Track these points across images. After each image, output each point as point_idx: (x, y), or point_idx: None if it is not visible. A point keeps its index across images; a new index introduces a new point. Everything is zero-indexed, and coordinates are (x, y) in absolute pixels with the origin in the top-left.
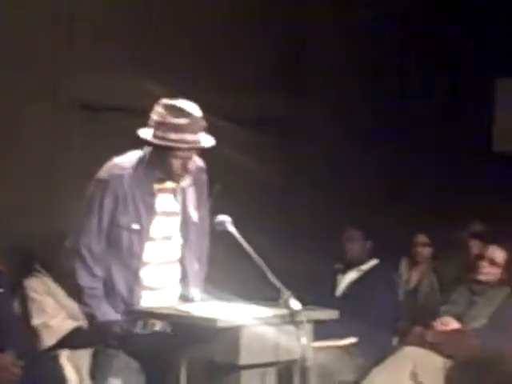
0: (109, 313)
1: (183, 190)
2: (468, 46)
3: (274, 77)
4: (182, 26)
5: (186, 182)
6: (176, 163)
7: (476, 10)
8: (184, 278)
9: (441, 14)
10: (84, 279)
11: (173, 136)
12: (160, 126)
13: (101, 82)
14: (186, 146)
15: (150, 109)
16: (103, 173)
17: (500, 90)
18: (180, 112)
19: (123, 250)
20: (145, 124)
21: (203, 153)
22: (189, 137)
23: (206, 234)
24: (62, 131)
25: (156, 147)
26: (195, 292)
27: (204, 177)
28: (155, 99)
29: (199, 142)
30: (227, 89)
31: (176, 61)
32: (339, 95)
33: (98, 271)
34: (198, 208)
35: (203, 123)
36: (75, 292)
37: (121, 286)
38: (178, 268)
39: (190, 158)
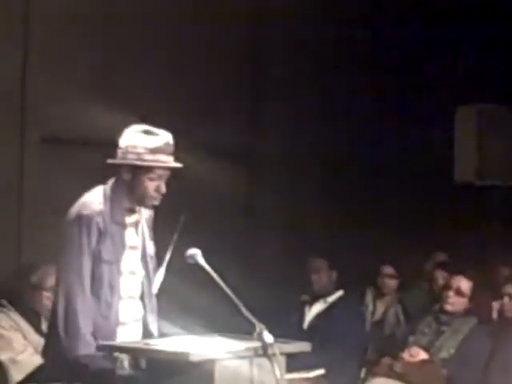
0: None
1: (142, 225)
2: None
3: (232, 109)
4: (140, 55)
5: (143, 216)
6: (151, 185)
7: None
8: (145, 314)
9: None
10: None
11: (148, 157)
12: (133, 149)
13: (64, 115)
14: (162, 165)
15: (108, 140)
16: (85, 209)
17: (460, 119)
18: (153, 134)
19: (104, 285)
20: (107, 156)
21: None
22: (163, 157)
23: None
24: (30, 167)
25: (129, 171)
26: (154, 328)
27: (152, 213)
28: (114, 131)
29: (172, 164)
30: (188, 118)
31: (137, 92)
32: (297, 125)
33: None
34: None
35: (173, 146)
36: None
37: (102, 323)
38: (139, 303)
39: (164, 179)
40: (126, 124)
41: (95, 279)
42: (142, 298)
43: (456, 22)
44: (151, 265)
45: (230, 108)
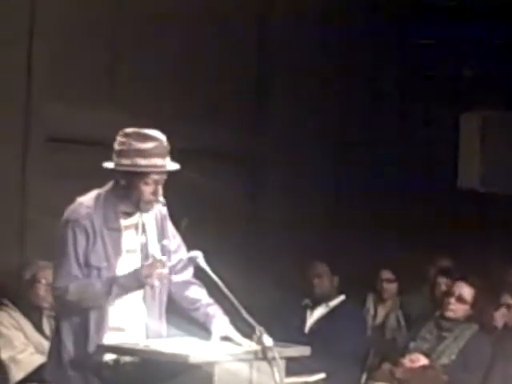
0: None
1: (144, 226)
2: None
3: (235, 113)
4: (146, 56)
5: (147, 216)
6: (147, 189)
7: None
8: (149, 315)
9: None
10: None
11: (142, 161)
12: (126, 153)
13: (68, 115)
14: (156, 170)
15: (112, 141)
16: (72, 214)
17: (464, 126)
18: (145, 137)
19: None
20: (111, 156)
21: (168, 185)
22: (158, 161)
23: (185, 266)
24: (34, 166)
25: (124, 176)
26: (162, 327)
27: (164, 210)
28: (119, 132)
29: (167, 166)
30: (190, 121)
31: (141, 93)
32: (299, 128)
33: None
34: (161, 243)
35: (168, 147)
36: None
37: (91, 326)
38: (141, 305)
39: (160, 182)
40: (130, 125)
41: None
42: (144, 299)
43: (461, 27)
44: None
45: (232, 111)
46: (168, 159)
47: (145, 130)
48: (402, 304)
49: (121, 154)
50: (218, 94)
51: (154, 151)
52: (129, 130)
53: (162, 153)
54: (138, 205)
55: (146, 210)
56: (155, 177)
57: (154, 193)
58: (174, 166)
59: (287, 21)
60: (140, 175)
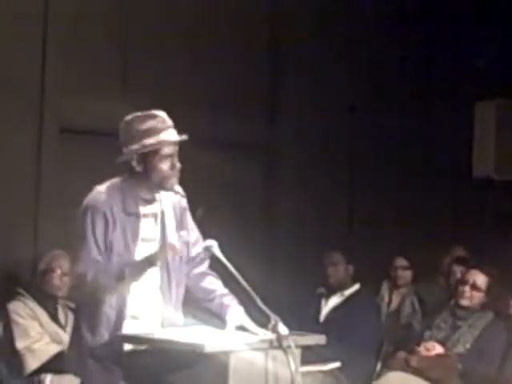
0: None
1: (163, 215)
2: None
3: (249, 102)
4: (157, 47)
5: (166, 206)
6: (164, 166)
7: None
8: (165, 305)
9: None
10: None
11: (150, 140)
12: (132, 139)
13: (82, 106)
14: (165, 143)
15: None
16: (91, 200)
17: (479, 114)
18: (144, 118)
19: None
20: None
21: (182, 174)
22: (164, 136)
23: (203, 259)
24: (48, 157)
25: (138, 162)
26: (178, 317)
27: (183, 202)
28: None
29: (174, 138)
30: (203, 113)
31: (154, 85)
32: (313, 120)
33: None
34: (179, 234)
35: (170, 121)
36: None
37: (111, 315)
38: (158, 295)
39: (174, 155)
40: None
41: None
42: (161, 288)
43: (478, 17)
44: (174, 257)
45: (245, 100)
46: (174, 132)
47: (142, 112)
48: (417, 291)
49: (128, 141)
50: (231, 84)
51: (157, 127)
52: (127, 117)
53: (165, 127)
54: (161, 184)
55: (170, 187)
56: (168, 150)
57: (172, 167)
58: (181, 137)
59: (300, 7)
60: (152, 154)
